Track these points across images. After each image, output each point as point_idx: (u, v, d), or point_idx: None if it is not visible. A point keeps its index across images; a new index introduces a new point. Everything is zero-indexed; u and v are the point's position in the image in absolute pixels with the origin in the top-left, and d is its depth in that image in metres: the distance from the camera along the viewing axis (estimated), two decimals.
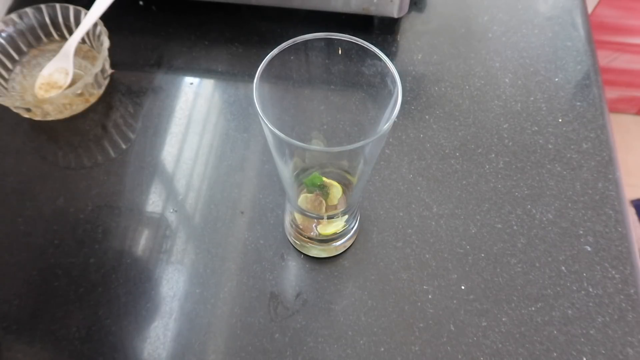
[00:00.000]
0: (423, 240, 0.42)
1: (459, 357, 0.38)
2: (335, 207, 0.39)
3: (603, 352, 0.38)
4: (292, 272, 0.41)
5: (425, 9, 0.56)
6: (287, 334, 0.39)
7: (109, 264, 0.41)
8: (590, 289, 0.40)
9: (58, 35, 0.52)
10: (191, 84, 0.51)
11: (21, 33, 0.50)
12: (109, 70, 0.50)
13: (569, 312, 0.39)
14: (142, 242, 0.43)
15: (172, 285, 0.41)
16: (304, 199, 0.38)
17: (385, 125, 0.29)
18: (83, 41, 0.51)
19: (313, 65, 0.33)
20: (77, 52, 0.50)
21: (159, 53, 0.53)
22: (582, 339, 0.38)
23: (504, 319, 0.39)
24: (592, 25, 0.55)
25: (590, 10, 1.05)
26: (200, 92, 0.51)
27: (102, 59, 0.46)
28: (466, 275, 0.41)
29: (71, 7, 0.49)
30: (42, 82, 0.49)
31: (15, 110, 0.47)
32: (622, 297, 0.40)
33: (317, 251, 0.41)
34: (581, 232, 0.42)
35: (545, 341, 0.38)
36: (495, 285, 0.40)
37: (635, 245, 0.42)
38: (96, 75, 0.47)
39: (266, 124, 0.28)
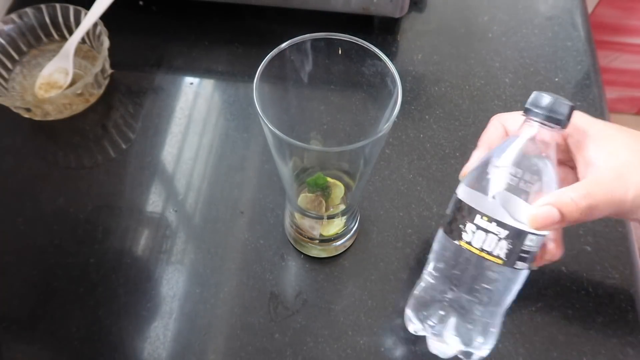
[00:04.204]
0: (423, 240, 0.42)
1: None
2: (335, 206, 0.39)
3: (603, 352, 0.38)
4: (292, 272, 0.41)
5: (425, 9, 0.56)
6: (287, 334, 0.39)
7: (109, 264, 0.41)
8: (590, 289, 0.40)
9: (58, 35, 0.52)
10: (191, 84, 0.51)
11: (21, 33, 0.50)
12: (109, 70, 0.50)
13: (569, 312, 0.39)
14: (142, 242, 0.43)
15: (172, 285, 0.41)
16: (303, 199, 0.38)
17: (385, 125, 0.29)
18: (83, 41, 0.51)
19: (313, 65, 0.33)
20: (77, 52, 0.50)
21: (159, 53, 0.53)
22: (582, 339, 0.38)
23: (504, 319, 0.39)
24: (592, 25, 0.55)
25: (590, 10, 1.05)
26: (200, 92, 0.51)
27: (102, 59, 0.46)
28: None
29: (71, 7, 0.49)
30: (42, 82, 0.49)
31: (15, 110, 0.47)
32: (622, 297, 0.40)
33: (317, 251, 0.41)
34: (581, 232, 0.42)
35: (545, 341, 0.38)
36: None
37: (635, 245, 0.42)
38: (96, 75, 0.47)
39: (266, 124, 0.28)
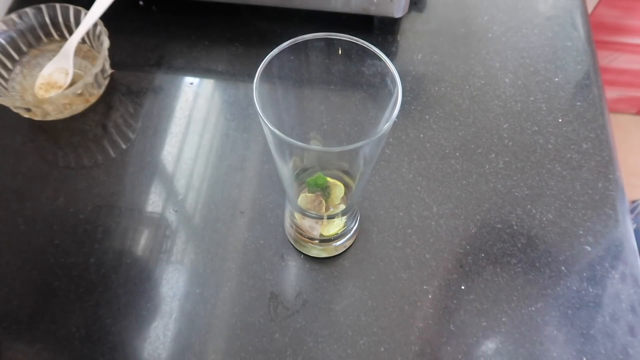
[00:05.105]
0: (423, 240, 0.42)
1: (459, 357, 0.38)
2: (335, 206, 0.39)
3: (603, 352, 0.38)
4: (292, 272, 0.41)
5: (425, 9, 0.56)
6: (287, 334, 0.39)
7: (109, 264, 0.41)
8: (590, 289, 0.40)
9: (58, 35, 0.52)
10: (191, 84, 0.51)
11: (21, 33, 0.50)
12: (109, 70, 0.50)
13: (569, 311, 0.39)
14: (142, 242, 0.43)
15: (172, 285, 0.41)
16: (303, 199, 0.38)
17: (385, 125, 0.29)
18: (83, 41, 0.51)
19: (313, 65, 0.33)
20: (77, 52, 0.50)
21: (159, 53, 0.53)
22: (582, 339, 0.38)
23: (504, 319, 0.39)
24: (592, 25, 0.55)
25: (590, 10, 1.05)
26: (200, 92, 0.51)
27: (102, 59, 0.46)
28: (466, 275, 0.41)
29: (71, 7, 0.49)
30: (42, 82, 0.49)
31: (15, 110, 0.47)
32: (622, 297, 0.40)
33: (317, 251, 0.41)
34: (581, 232, 0.42)
35: (545, 341, 0.38)
36: (495, 285, 0.40)
37: (635, 245, 0.42)
38: (96, 75, 0.47)
39: (266, 124, 0.28)
